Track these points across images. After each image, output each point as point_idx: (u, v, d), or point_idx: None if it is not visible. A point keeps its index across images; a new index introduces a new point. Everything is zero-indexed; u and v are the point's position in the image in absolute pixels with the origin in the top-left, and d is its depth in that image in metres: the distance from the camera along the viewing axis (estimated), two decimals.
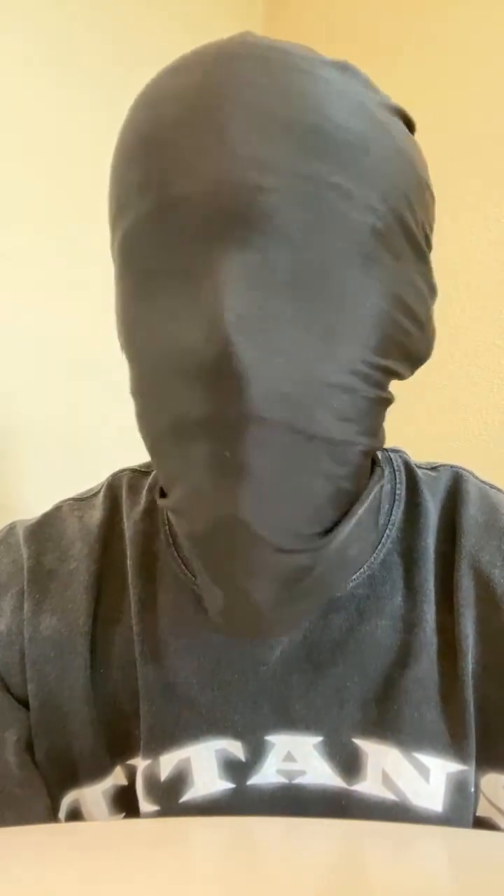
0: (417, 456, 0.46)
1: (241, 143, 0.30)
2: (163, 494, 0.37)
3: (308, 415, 0.31)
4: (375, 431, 0.36)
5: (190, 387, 0.30)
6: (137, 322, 0.34)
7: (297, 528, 0.33)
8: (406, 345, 0.35)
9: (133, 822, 0.39)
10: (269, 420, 0.30)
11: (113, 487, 0.46)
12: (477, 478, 0.45)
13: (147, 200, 0.32)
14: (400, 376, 0.36)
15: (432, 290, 0.38)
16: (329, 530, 0.34)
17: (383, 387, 0.35)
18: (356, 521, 0.35)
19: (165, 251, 0.31)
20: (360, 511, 0.35)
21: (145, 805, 0.39)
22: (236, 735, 0.39)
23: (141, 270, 0.33)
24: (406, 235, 0.34)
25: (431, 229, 0.38)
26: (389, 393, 0.36)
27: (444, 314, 0.59)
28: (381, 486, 0.38)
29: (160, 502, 0.36)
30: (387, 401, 0.36)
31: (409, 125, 0.36)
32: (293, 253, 0.30)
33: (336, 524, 0.34)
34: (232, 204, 0.30)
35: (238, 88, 0.30)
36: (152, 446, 0.35)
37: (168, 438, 0.33)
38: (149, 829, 0.37)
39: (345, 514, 0.35)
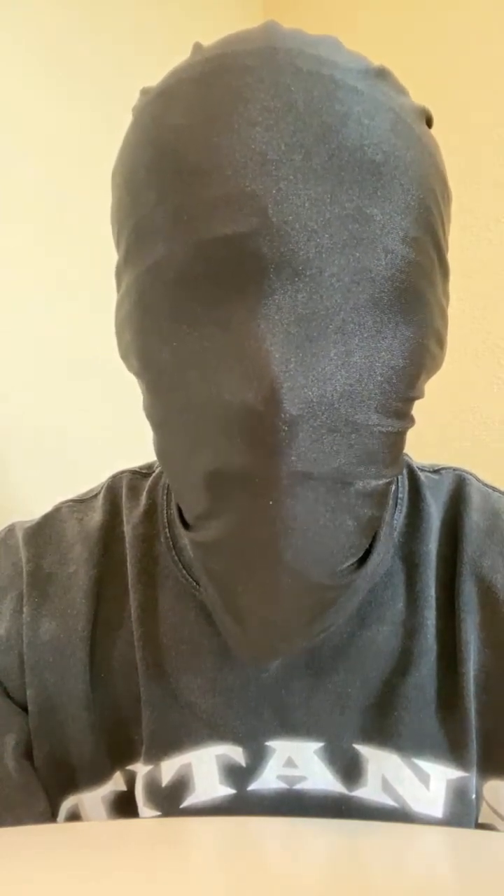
0: (418, 457, 0.46)
1: (282, 178, 0.28)
2: (185, 525, 0.36)
3: (349, 464, 0.31)
4: (399, 458, 0.35)
5: (231, 437, 0.29)
6: (168, 367, 0.31)
7: (334, 564, 0.33)
8: (431, 368, 0.35)
9: (132, 822, 0.39)
10: (313, 474, 0.30)
11: (112, 489, 0.46)
12: (480, 481, 0.44)
13: (179, 238, 0.29)
14: (421, 396, 0.35)
15: (448, 302, 0.36)
16: (361, 558, 0.34)
17: (410, 415, 0.34)
18: (381, 542, 0.35)
19: (200, 294, 0.29)
20: (381, 532, 0.36)
21: (145, 811, 0.39)
22: (237, 741, 0.39)
23: (169, 310, 0.31)
24: (438, 256, 0.33)
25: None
26: (413, 417, 0.34)
27: None
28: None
29: (186, 535, 0.35)
30: (411, 426, 0.35)
31: (430, 123, 0.34)
32: (337, 295, 0.29)
33: (367, 550, 0.35)
34: (278, 247, 0.28)
35: (275, 113, 0.28)
36: (180, 487, 0.34)
37: (202, 483, 0.32)
38: (148, 828, 0.37)
39: (373, 537, 0.35)
